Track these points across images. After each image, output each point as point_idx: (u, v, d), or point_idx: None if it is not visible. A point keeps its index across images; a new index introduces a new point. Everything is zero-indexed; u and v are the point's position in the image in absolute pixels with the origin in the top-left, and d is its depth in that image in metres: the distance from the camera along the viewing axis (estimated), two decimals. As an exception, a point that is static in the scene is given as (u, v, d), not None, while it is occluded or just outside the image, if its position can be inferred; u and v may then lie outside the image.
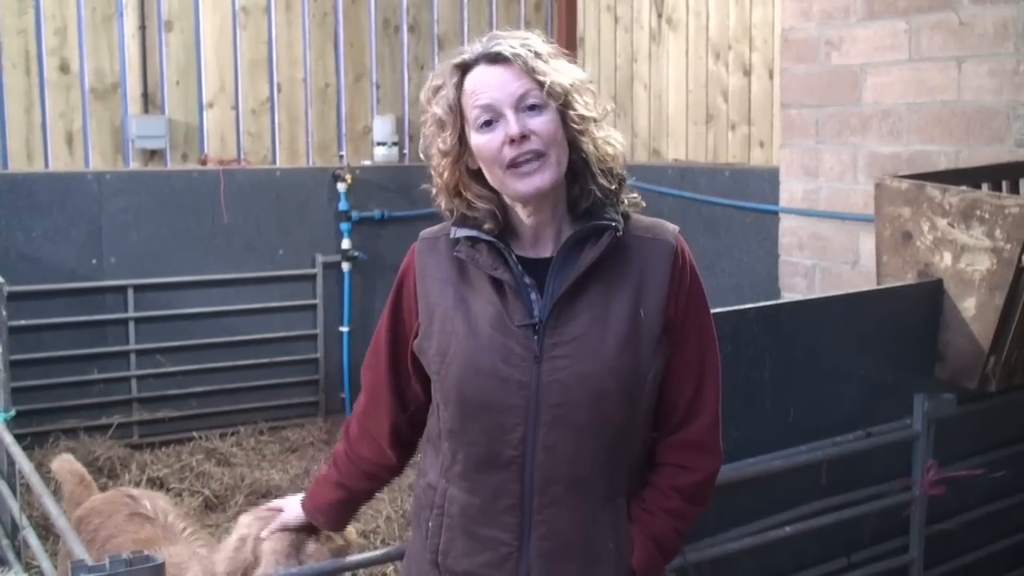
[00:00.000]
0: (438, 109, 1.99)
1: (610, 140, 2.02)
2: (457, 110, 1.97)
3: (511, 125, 1.91)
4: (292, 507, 2.39)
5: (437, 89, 2.01)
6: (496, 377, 1.96)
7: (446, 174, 2.01)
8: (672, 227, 2.08)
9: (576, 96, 1.97)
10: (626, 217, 2.04)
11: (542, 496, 1.98)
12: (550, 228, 2.02)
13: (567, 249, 2.00)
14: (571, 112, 1.96)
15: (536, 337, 1.96)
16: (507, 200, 2.01)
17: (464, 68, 1.98)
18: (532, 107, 1.93)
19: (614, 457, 2.02)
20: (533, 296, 1.99)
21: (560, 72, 1.96)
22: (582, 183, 2.00)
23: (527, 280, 1.99)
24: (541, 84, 1.93)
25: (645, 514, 2.07)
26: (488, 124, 1.94)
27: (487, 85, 1.94)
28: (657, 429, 2.11)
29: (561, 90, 1.94)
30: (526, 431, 1.96)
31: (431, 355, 2.05)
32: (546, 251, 2.03)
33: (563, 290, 1.96)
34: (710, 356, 2.10)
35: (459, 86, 1.98)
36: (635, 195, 2.07)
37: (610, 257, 1.99)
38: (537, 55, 1.95)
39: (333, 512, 2.34)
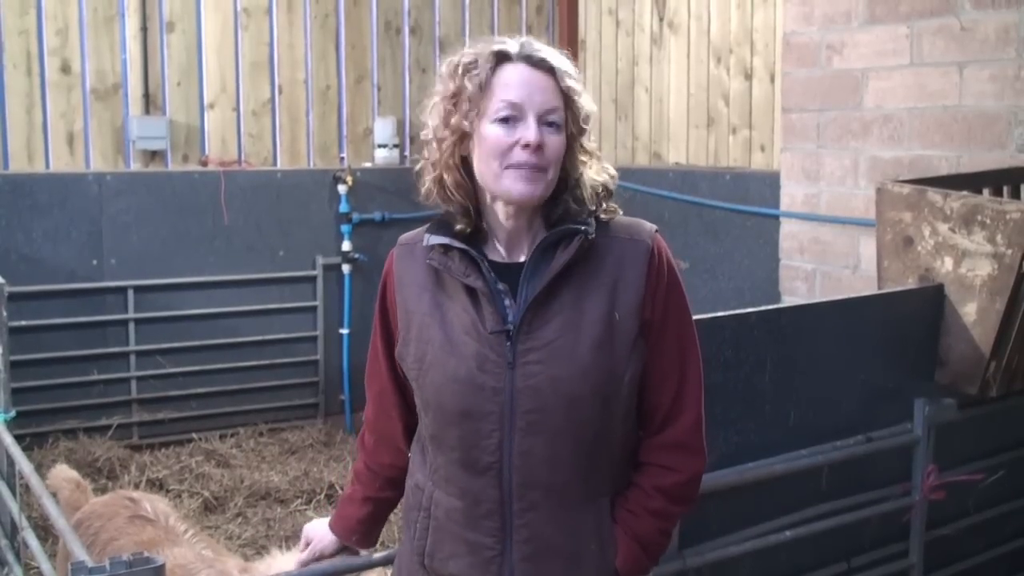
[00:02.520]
0: (469, 84, 1.97)
1: (602, 172, 2.06)
2: (486, 93, 1.96)
3: (531, 131, 1.93)
4: (322, 535, 2.39)
5: (469, 67, 1.99)
6: (472, 384, 1.97)
7: (447, 152, 2.00)
8: (649, 227, 2.08)
9: (587, 128, 2.02)
10: (601, 221, 2.05)
11: (521, 501, 1.99)
12: (526, 233, 2.03)
13: (539, 253, 2.00)
14: (582, 141, 2.01)
15: (509, 343, 1.96)
16: (486, 199, 2.02)
17: (503, 57, 1.98)
18: (551, 123, 1.96)
19: (592, 460, 2.02)
20: (507, 302, 1.99)
21: (585, 102, 2.01)
22: (565, 200, 2.02)
23: (500, 286, 2.00)
24: (568, 106, 1.97)
25: (629, 515, 2.07)
26: (506, 120, 1.94)
27: (522, 83, 1.95)
28: (640, 430, 2.11)
29: (584, 116, 1.99)
30: (502, 437, 1.97)
31: (410, 362, 2.07)
32: (520, 256, 2.04)
33: (535, 295, 1.97)
34: (691, 356, 2.09)
35: (494, 71, 1.97)
36: (613, 204, 2.08)
37: (583, 260, 1.99)
38: (573, 78, 1.99)
39: (363, 528, 2.35)
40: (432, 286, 2.05)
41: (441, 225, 2.04)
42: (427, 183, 2.05)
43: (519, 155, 1.93)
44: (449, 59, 2.04)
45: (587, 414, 1.97)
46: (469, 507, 2.02)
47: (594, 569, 2.05)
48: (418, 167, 2.09)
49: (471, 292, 2.00)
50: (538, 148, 1.92)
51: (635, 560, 2.08)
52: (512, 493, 1.99)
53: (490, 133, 1.95)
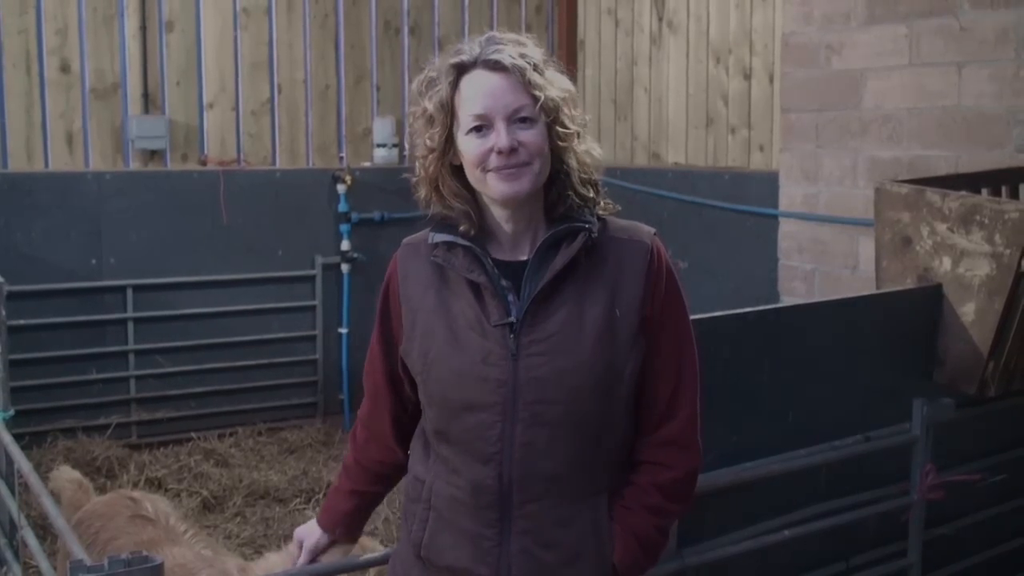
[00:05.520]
0: (430, 105, 2.02)
1: (591, 152, 2.07)
2: (449, 109, 2.00)
3: (502, 137, 1.95)
4: (311, 532, 2.41)
5: (431, 83, 2.03)
6: (476, 377, 2.00)
7: (431, 168, 2.05)
8: (648, 229, 2.11)
9: (564, 110, 2.01)
10: (602, 220, 2.08)
11: (521, 492, 2.01)
12: (527, 233, 2.06)
13: (543, 251, 2.03)
14: (558, 128, 2.00)
15: (513, 336, 1.99)
16: (485, 201, 2.05)
17: (461, 69, 2.00)
18: (523, 119, 1.97)
19: (593, 454, 2.04)
20: (510, 297, 2.02)
21: (553, 85, 2.00)
22: (560, 190, 2.04)
23: (504, 282, 2.03)
24: (535, 98, 1.96)
25: (626, 511, 2.09)
26: (479, 130, 1.98)
27: (483, 92, 1.97)
28: (637, 429, 2.13)
29: (553, 105, 1.98)
30: (504, 428, 1.99)
31: (414, 357, 2.09)
32: (523, 254, 2.06)
33: (538, 289, 2.00)
34: (687, 355, 2.12)
35: (454, 85, 2.00)
36: (610, 201, 2.11)
37: (585, 257, 2.03)
38: (535, 67, 1.98)
39: (349, 521, 2.37)
40: (436, 283, 2.08)
41: (444, 223, 2.07)
42: (424, 193, 2.09)
43: (496, 160, 1.96)
44: (418, 76, 2.07)
45: (589, 407, 2.00)
46: (469, 498, 2.04)
47: (591, 564, 2.06)
48: (414, 180, 2.11)
49: (475, 288, 2.03)
50: (512, 151, 1.95)
51: (632, 556, 2.09)
52: (513, 484, 2.01)
53: (465, 146, 1.99)
